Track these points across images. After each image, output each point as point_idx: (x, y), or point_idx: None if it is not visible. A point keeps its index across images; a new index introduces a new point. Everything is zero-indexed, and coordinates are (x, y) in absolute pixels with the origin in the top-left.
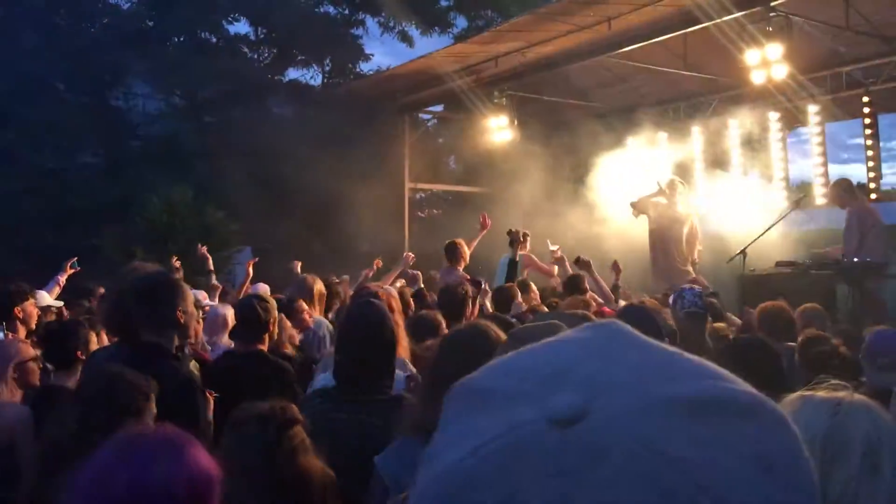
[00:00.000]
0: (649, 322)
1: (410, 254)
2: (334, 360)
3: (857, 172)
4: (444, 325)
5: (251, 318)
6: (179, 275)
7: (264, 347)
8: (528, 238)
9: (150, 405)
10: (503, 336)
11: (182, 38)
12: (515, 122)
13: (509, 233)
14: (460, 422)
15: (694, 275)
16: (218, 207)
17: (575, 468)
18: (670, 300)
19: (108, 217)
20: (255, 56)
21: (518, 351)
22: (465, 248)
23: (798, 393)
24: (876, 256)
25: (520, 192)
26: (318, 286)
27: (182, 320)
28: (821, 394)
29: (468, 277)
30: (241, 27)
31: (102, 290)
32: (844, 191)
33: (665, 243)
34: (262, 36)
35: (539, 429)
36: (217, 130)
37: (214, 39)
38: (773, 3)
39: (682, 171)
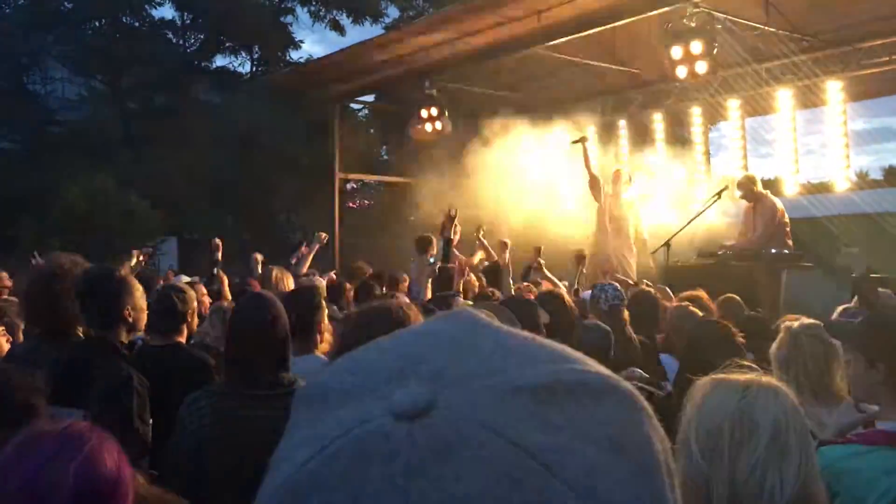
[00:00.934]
0: (528, 313)
1: (323, 234)
2: (225, 356)
3: (775, 167)
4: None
5: (168, 309)
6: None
7: (182, 339)
8: (455, 218)
9: (41, 403)
10: (414, 317)
11: (103, 22)
12: (446, 114)
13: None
14: (305, 425)
15: (631, 262)
16: (142, 196)
17: (422, 463)
18: (589, 295)
19: (25, 206)
20: (181, 42)
21: (366, 346)
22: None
23: (709, 376)
24: (785, 248)
25: (450, 183)
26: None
27: (130, 316)
28: (732, 377)
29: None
30: (167, 12)
31: (9, 282)
32: (751, 185)
33: (618, 222)
34: (188, 21)
35: (384, 424)
36: (141, 117)
37: (138, 24)
38: (695, 0)
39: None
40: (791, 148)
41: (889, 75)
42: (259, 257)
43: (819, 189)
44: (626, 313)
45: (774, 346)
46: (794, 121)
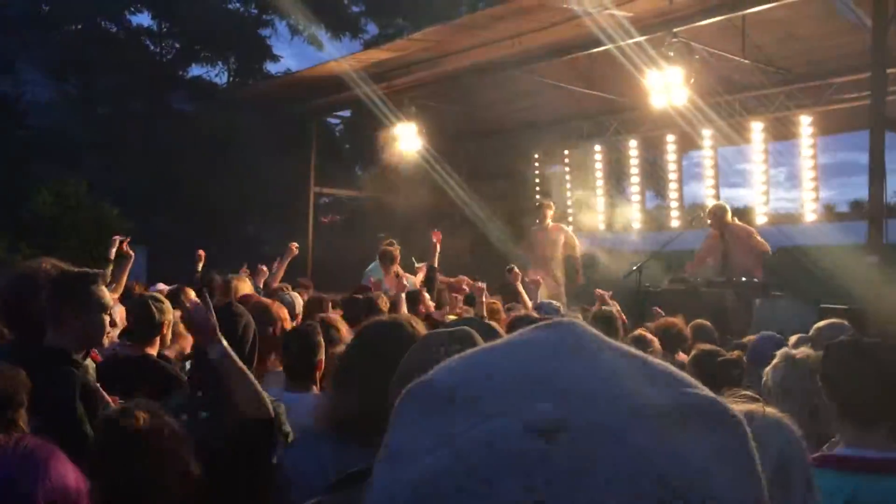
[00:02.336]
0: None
1: (294, 244)
2: (192, 366)
3: (744, 197)
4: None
5: (143, 319)
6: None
7: (153, 351)
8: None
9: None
10: (421, 330)
11: (80, 26)
12: (423, 132)
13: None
14: (426, 423)
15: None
16: (113, 203)
17: (560, 479)
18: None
19: None
20: (158, 49)
21: (478, 350)
22: (398, 254)
23: None
24: (753, 276)
25: (424, 200)
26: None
27: (83, 327)
28: (734, 408)
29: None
30: (144, 19)
31: None
32: (722, 214)
33: (546, 262)
34: (165, 29)
35: (521, 437)
36: (113, 123)
37: (115, 29)
38: (674, 30)
39: (584, 187)
40: (762, 179)
41: (857, 111)
42: (202, 254)
43: (787, 220)
44: None
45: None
46: (765, 152)
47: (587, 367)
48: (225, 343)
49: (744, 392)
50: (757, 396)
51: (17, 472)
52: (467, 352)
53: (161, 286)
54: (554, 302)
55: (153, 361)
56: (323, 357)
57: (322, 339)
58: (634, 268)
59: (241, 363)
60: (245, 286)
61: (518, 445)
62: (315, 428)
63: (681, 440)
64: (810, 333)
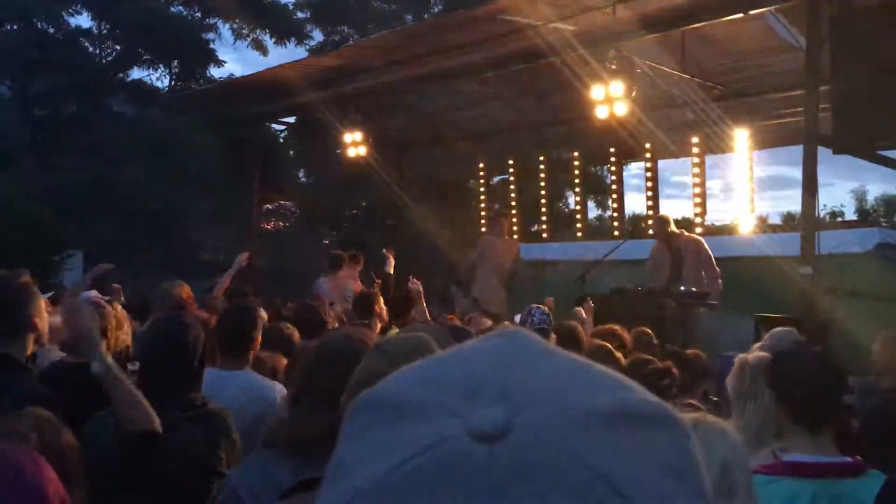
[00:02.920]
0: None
1: (245, 254)
2: (139, 376)
3: (680, 208)
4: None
5: None
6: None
7: None
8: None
9: None
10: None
11: (16, 27)
12: (369, 139)
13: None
14: (375, 434)
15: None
16: (48, 208)
17: (503, 484)
18: (520, 318)
19: None
20: (98, 52)
21: (427, 360)
22: (348, 258)
23: None
24: (695, 286)
25: (368, 209)
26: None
27: (38, 326)
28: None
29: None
30: (84, 20)
31: None
32: (665, 226)
33: (502, 272)
34: (105, 31)
35: (465, 444)
36: (49, 125)
37: (53, 31)
38: (617, 43)
39: (528, 197)
40: (699, 191)
41: (790, 126)
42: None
43: (724, 231)
44: (553, 337)
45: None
46: (702, 165)
47: (530, 371)
48: (109, 358)
49: (688, 401)
50: (700, 406)
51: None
52: (416, 362)
53: (94, 293)
54: (544, 308)
55: (88, 371)
56: (259, 336)
57: (257, 318)
58: (577, 277)
59: (124, 378)
60: (186, 292)
61: (460, 451)
62: (270, 446)
63: (625, 442)
64: (762, 341)
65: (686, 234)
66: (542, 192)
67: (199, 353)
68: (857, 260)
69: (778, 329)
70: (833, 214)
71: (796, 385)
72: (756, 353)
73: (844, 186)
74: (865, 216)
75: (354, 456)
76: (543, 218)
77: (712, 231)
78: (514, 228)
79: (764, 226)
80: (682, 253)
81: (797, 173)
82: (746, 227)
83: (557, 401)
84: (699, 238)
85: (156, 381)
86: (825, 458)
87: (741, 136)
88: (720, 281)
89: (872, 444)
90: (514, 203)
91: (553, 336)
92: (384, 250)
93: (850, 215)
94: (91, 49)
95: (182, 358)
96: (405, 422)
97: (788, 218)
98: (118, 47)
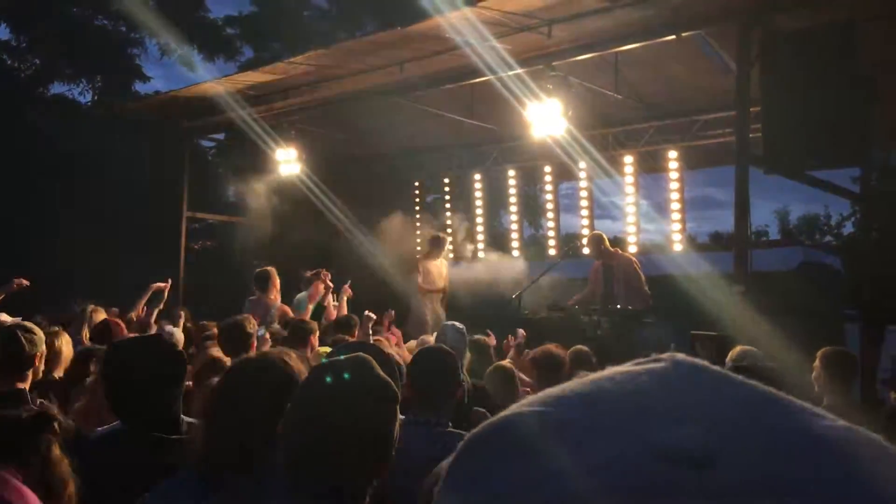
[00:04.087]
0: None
1: (159, 284)
2: (117, 401)
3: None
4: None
5: (14, 352)
6: None
7: (26, 385)
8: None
9: None
10: (296, 366)
11: None
12: (303, 157)
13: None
14: (517, 464)
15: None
16: None
17: None
18: (436, 336)
19: None
20: (17, 65)
21: (570, 384)
22: (277, 276)
23: None
24: (632, 304)
25: (302, 226)
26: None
27: None
28: None
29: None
30: (2, 32)
31: None
32: (599, 244)
33: (444, 292)
34: (24, 44)
35: (660, 468)
36: None
37: None
38: (553, 63)
39: (463, 215)
40: (632, 210)
41: (719, 148)
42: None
43: (656, 250)
44: (468, 356)
45: None
46: (636, 184)
47: (713, 394)
48: None
49: None
50: None
51: None
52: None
53: (4, 317)
54: (457, 324)
55: (25, 396)
56: (37, 354)
57: (38, 339)
58: (514, 296)
59: None
60: (101, 315)
61: (662, 476)
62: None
63: (844, 467)
64: (730, 360)
65: (620, 252)
66: (479, 212)
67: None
68: (784, 278)
69: (741, 348)
70: (758, 234)
71: None
72: None
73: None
74: (789, 236)
75: (503, 488)
76: (479, 237)
77: (645, 250)
78: (450, 248)
79: (693, 244)
80: (614, 271)
81: (720, 194)
82: (677, 245)
83: (758, 424)
84: (631, 257)
85: (140, 401)
86: None
87: (671, 156)
88: (650, 301)
89: None
90: (448, 222)
91: (468, 356)
92: (345, 286)
93: (774, 235)
94: (9, 62)
95: (167, 381)
96: (571, 443)
97: (715, 237)
98: (38, 61)
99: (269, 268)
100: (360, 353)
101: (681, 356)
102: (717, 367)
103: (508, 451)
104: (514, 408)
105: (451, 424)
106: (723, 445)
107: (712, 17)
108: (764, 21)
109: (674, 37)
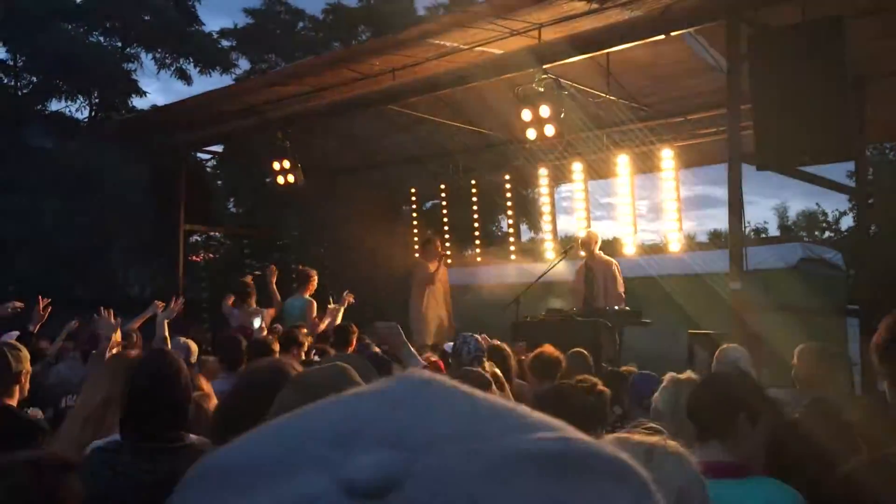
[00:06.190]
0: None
1: (161, 303)
2: (123, 413)
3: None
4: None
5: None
6: None
7: (13, 402)
8: (314, 278)
9: None
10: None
11: None
12: (298, 166)
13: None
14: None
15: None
16: None
17: None
18: (452, 347)
19: None
20: (14, 83)
21: (293, 414)
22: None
23: (614, 435)
24: (608, 306)
25: (301, 237)
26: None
27: None
28: (636, 438)
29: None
30: None
31: None
32: (591, 244)
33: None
34: (21, 63)
35: (340, 501)
36: None
37: None
38: (544, 66)
39: (461, 221)
40: (629, 210)
41: (714, 145)
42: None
43: (654, 250)
44: (487, 365)
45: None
46: (632, 185)
47: (431, 412)
48: None
49: (649, 424)
50: (661, 429)
51: None
52: (277, 418)
53: (14, 334)
54: (479, 338)
55: (13, 412)
56: (22, 371)
57: (24, 357)
58: (513, 300)
59: None
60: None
61: None
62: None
63: (553, 491)
64: (715, 358)
65: (600, 254)
66: (475, 216)
67: (183, 389)
68: (782, 275)
69: (727, 345)
70: (757, 231)
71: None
72: (687, 372)
73: (767, 203)
74: (788, 232)
75: None
76: (476, 241)
77: (643, 250)
78: (448, 253)
79: (691, 244)
80: (594, 273)
81: (719, 192)
82: (675, 245)
83: (471, 442)
84: (611, 259)
85: (148, 419)
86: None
87: (666, 156)
88: (624, 305)
89: (785, 455)
90: (446, 227)
91: (487, 365)
92: (344, 294)
93: (773, 231)
94: (6, 80)
95: (170, 394)
96: (260, 486)
97: (714, 236)
98: (35, 79)
99: (246, 279)
100: (339, 363)
101: (414, 372)
102: (449, 382)
103: (203, 499)
104: (231, 444)
105: None
106: (412, 469)
107: (700, 15)
108: (751, 18)
109: (663, 36)
